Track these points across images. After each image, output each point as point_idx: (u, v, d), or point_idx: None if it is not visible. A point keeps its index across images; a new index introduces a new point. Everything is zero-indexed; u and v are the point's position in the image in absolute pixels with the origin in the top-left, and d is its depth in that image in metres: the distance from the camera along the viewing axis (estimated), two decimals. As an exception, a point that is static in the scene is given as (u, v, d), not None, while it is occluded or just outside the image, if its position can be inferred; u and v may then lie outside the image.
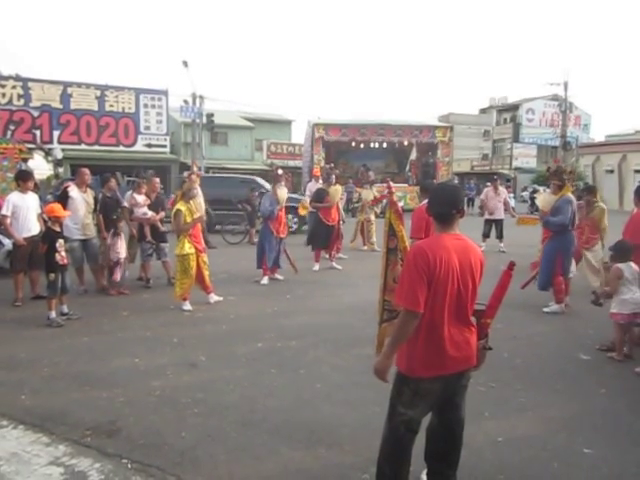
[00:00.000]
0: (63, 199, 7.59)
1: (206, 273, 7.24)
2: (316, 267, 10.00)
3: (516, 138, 46.55)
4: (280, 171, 9.32)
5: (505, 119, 51.65)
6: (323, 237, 10.21)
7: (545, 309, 7.09)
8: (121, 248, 7.81)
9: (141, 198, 8.40)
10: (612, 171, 36.66)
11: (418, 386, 2.68)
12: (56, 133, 29.41)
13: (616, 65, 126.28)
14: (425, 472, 2.99)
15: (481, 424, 3.75)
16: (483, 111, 56.93)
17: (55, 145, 28.84)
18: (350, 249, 12.29)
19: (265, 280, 8.73)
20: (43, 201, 8.86)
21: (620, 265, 5.19)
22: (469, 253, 2.71)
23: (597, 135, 49.35)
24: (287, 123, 42.04)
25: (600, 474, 3.24)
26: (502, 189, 13.58)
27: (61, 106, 29.53)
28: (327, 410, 4.04)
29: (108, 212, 7.90)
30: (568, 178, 7.23)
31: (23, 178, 7.38)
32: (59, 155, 28.16)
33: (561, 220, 6.85)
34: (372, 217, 12.81)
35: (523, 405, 4.19)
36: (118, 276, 7.80)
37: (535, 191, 22.36)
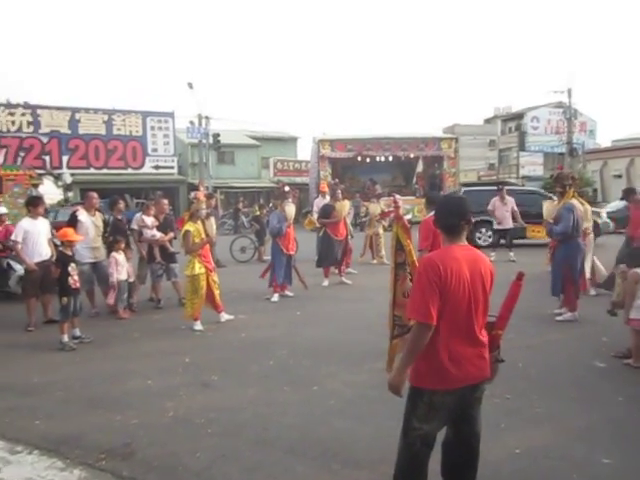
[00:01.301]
0: (73, 223, 7.67)
1: (216, 292, 7.26)
2: (326, 282, 9.99)
3: (522, 147, 46.38)
4: (287, 188, 9.37)
5: (510, 128, 51.59)
6: (333, 253, 10.21)
7: (558, 317, 7.03)
8: (116, 271, 7.66)
9: (150, 220, 8.46)
10: (620, 176, 36.47)
11: (432, 399, 2.66)
12: (65, 158, 29.78)
13: (620, 70, 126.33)
14: (442, 486, 2.95)
15: (497, 436, 3.71)
16: (488, 121, 56.94)
17: (64, 170, 29.23)
18: (359, 263, 12.28)
19: (275, 297, 8.73)
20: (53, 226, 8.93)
21: (638, 270, 5.14)
22: (479, 264, 2.70)
23: (603, 140, 48.98)
24: (293, 140, 42.27)
25: (621, 484, 3.19)
26: (509, 198, 13.53)
27: (69, 131, 29.94)
28: (341, 426, 4.02)
29: (118, 234, 7.96)
30: (571, 184, 7.17)
31: (33, 204, 7.47)
32: (68, 180, 28.54)
33: (563, 228, 6.81)
34: (380, 231, 12.80)
35: (539, 415, 4.14)
36: (112, 300, 7.72)
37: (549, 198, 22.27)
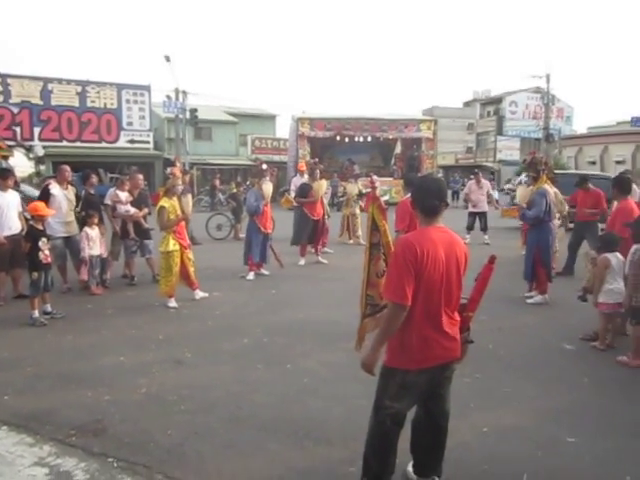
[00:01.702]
0: (44, 197, 7.50)
1: (191, 269, 7.20)
2: (302, 262, 10.00)
3: (500, 131, 46.80)
4: (265, 166, 9.28)
5: (489, 112, 51.92)
6: (308, 232, 10.20)
7: (529, 300, 7.17)
8: (88, 246, 7.56)
9: (124, 195, 8.32)
10: (594, 162, 37.08)
11: (404, 379, 2.70)
12: (37, 130, 28.94)
13: (597, 58, 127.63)
14: (411, 464, 3.01)
15: (467, 415, 3.78)
16: (467, 104, 57.20)
17: (36, 142, 28.45)
18: (336, 243, 12.31)
19: (251, 275, 8.71)
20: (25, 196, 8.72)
21: (608, 255, 5.26)
22: (454, 246, 2.73)
23: (579, 127, 49.89)
24: (271, 118, 41.83)
25: (583, 462, 3.29)
26: (484, 182, 13.68)
27: (42, 102, 29.04)
28: (314, 405, 4.05)
29: (91, 209, 7.81)
30: (544, 169, 7.26)
31: (2, 176, 7.26)
32: (40, 152, 27.83)
33: (535, 213, 6.91)
34: (357, 211, 12.81)
35: (508, 396, 4.24)
36: (85, 275, 7.63)
37: (520, 183, 22.56)
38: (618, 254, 5.26)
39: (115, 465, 3.25)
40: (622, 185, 6.41)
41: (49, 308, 6.41)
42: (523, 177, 15.33)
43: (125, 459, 3.29)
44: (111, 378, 4.55)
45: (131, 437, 3.55)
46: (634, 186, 7.81)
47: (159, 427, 3.68)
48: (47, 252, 6.31)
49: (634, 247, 4.98)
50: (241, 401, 4.11)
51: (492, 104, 51.42)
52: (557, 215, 8.15)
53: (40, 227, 6.38)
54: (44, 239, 6.32)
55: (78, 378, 4.55)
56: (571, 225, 10.11)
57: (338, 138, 26.07)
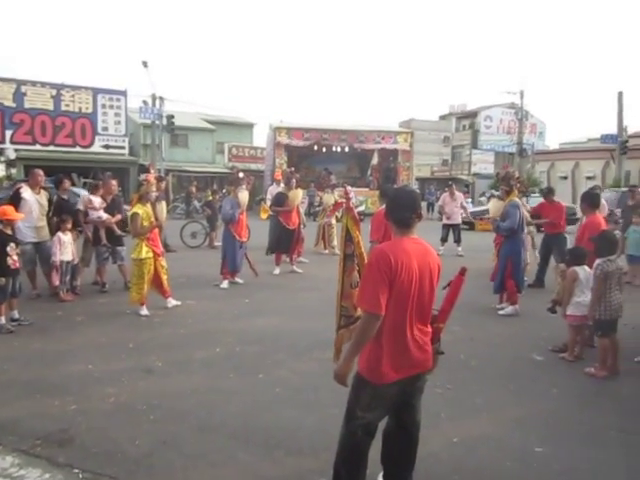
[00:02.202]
0: (15, 201, 7.34)
1: (164, 277, 7.12)
2: (277, 271, 9.97)
3: (475, 144, 47.58)
4: (241, 174, 9.25)
5: (464, 126, 52.69)
6: (284, 241, 10.19)
7: (500, 312, 7.26)
8: (59, 251, 7.43)
9: (97, 200, 8.20)
10: (566, 177, 37.94)
11: (376, 390, 2.70)
12: (9, 132, 28.34)
13: (569, 76, 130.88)
14: (381, 474, 3.01)
15: (437, 425, 3.80)
16: (443, 118, 57.91)
17: (7, 145, 27.87)
18: (311, 253, 12.31)
19: (225, 284, 8.65)
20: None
21: (576, 268, 5.37)
22: (427, 257, 2.75)
23: (552, 143, 50.79)
24: (249, 126, 41.73)
25: (551, 471, 3.33)
26: (458, 194, 13.87)
27: (14, 105, 28.47)
28: (286, 414, 4.03)
29: (64, 214, 7.67)
30: (515, 184, 7.42)
31: (-28, 179, 7.10)
32: (12, 155, 27.26)
33: (509, 224, 7.05)
34: (333, 221, 12.86)
35: (478, 406, 4.27)
36: (56, 281, 7.50)
37: (492, 196, 22.92)
38: (586, 267, 5.37)
39: (81, 476, 3.17)
40: (591, 200, 6.56)
41: (16, 315, 6.26)
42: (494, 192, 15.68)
43: (91, 470, 3.22)
44: (79, 387, 4.46)
45: (98, 447, 3.48)
46: (602, 201, 8.02)
47: (127, 437, 3.61)
48: (15, 257, 6.16)
49: (596, 262, 5.10)
50: (212, 410, 4.06)
51: (467, 118, 52.22)
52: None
53: (8, 231, 6.23)
54: (12, 244, 6.17)
55: (45, 387, 4.45)
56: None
57: (315, 148, 26.15)
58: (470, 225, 13.97)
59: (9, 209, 6.44)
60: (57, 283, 7.50)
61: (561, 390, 4.65)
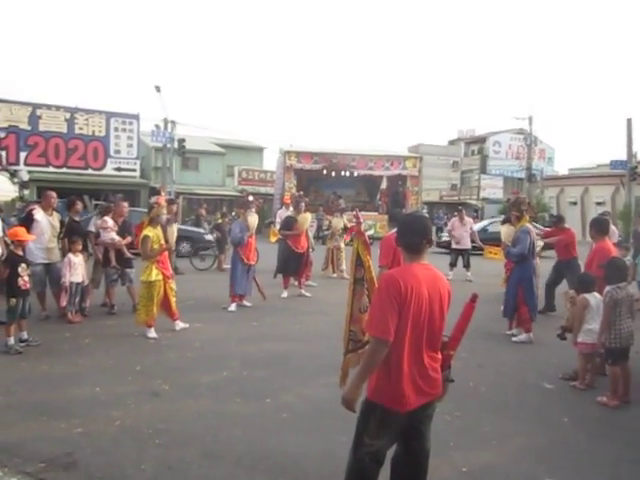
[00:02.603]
0: (28, 222, 7.42)
1: (173, 300, 7.13)
2: (285, 294, 9.96)
3: (483, 170, 47.64)
4: (251, 197, 9.32)
5: (473, 151, 52.88)
6: (293, 265, 10.20)
7: (513, 339, 7.19)
8: (69, 272, 7.50)
9: (111, 222, 8.27)
10: (575, 203, 37.83)
11: (384, 416, 2.67)
12: (23, 154, 28.80)
13: (578, 102, 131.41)
14: (389, 503, 2.96)
15: (446, 454, 3.75)
16: (452, 143, 58.21)
17: (21, 167, 28.26)
18: (320, 276, 12.29)
19: (233, 307, 8.65)
20: (7, 224, 8.64)
21: (586, 295, 5.32)
22: (438, 283, 2.74)
23: (561, 168, 50.74)
24: (259, 150, 42.15)
25: (562, 504, 3.26)
26: (468, 219, 13.84)
27: (29, 127, 29.00)
28: (293, 440, 3.99)
29: (75, 236, 7.74)
30: (527, 209, 7.42)
31: (-15, 200, 7.19)
32: (25, 177, 27.58)
33: (520, 250, 7.03)
34: (342, 245, 12.86)
35: (487, 434, 4.21)
36: (63, 301, 7.53)
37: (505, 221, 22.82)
38: (596, 294, 5.33)
39: (85, 501, 3.14)
40: (600, 226, 6.53)
41: (25, 335, 6.28)
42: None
43: (95, 495, 3.19)
44: (85, 410, 4.44)
45: (103, 472, 3.45)
46: (612, 227, 7.98)
47: (132, 461, 3.59)
48: (26, 278, 6.21)
49: (606, 289, 5.06)
50: (218, 435, 4.03)
51: (476, 143, 52.43)
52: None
53: (20, 252, 6.30)
54: (23, 265, 6.23)
55: (51, 409, 4.44)
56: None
57: (324, 172, 26.32)
58: (477, 249, 13.85)
59: (21, 230, 6.52)
60: (64, 304, 7.53)
61: (572, 419, 4.57)
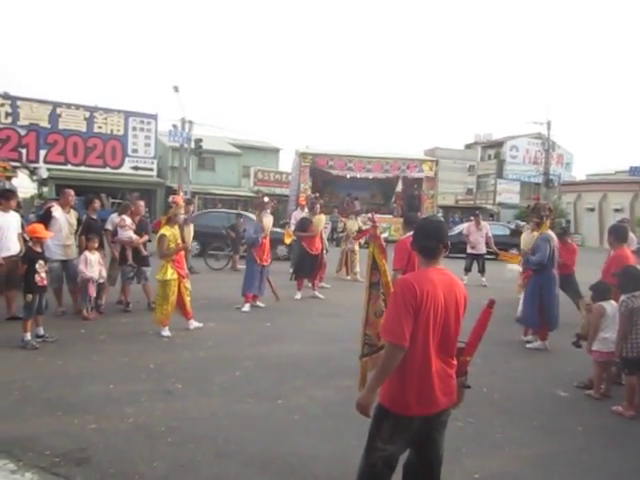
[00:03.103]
0: (46, 219, 7.52)
1: (187, 299, 7.18)
2: (298, 295, 9.97)
3: (500, 174, 47.29)
4: (266, 199, 9.35)
5: (489, 155, 52.48)
6: (307, 267, 10.20)
7: (528, 345, 7.11)
8: (87, 269, 7.58)
9: (129, 220, 8.35)
10: (593, 209, 37.38)
11: (398, 421, 2.65)
12: (42, 152, 29.24)
13: (596, 107, 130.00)
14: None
15: (458, 460, 3.72)
16: (468, 147, 57.80)
17: (41, 164, 28.71)
18: (334, 279, 12.29)
19: (247, 307, 8.67)
20: (25, 220, 8.76)
21: (603, 303, 5.25)
22: (454, 288, 2.71)
23: (579, 174, 50.26)
24: (275, 151, 42.31)
25: (575, 514, 3.22)
26: (484, 224, 13.73)
27: (49, 126, 29.43)
28: (303, 442, 3.99)
29: (92, 233, 7.83)
30: (547, 215, 7.26)
31: (6, 197, 7.30)
32: (44, 174, 28.04)
33: (539, 258, 6.87)
34: (356, 247, 12.84)
35: (500, 441, 4.18)
36: (93, 292, 7.67)
37: (518, 226, 22.55)
38: (613, 302, 5.26)
39: (97, 496, 3.17)
40: (618, 233, 6.43)
41: (42, 331, 6.35)
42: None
43: (108, 491, 3.22)
44: (99, 406, 4.49)
45: (115, 468, 3.48)
46: (631, 234, 7.84)
47: (145, 458, 3.62)
48: (43, 274, 6.29)
49: (621, 298, 4.99)
50: (230, 435, 4.05)
51: (493, 147, 52.04)
52: None
53: (38, 249, 6.38)
54: (41, 261, 6.31)
55: (65, 405, 4.49)
56: None
57: (340, 174, 26.30)
58: (492, 253, 13.64)
59: (39, 227, 6.60)
60: (94, 294, 7.70)
61: (586, 429, 4.51)
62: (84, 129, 30.31)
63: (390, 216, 25.31)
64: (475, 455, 3.91)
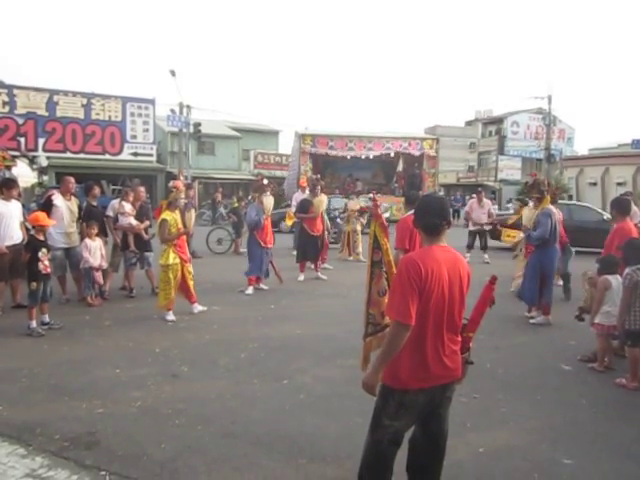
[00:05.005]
0: (47, 207, 7.53)
1: (191, 283, 7.20)
2: (301, 277, 9.99)
3: (501, 150, 46.98)
4: (265, 181, 9.32)
5: (490, 132, 52.10)
6: (311, 250, 10.20)
7: (531, 320, 7.12)
8: (91, 256, 7.63)
9: (128, 206, 8.35)
10: (595, 184, 37.15)
11: (403, 398, 2.66)
12: (41, 141, 29.16)
13: (598, 80, 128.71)
14: (406, 483, 2.97)
15: (463, 435, 3.75)
16: (469, 123, 57.40)
17: (40, 153, 28.60)
18: (337, 259, 12.31)
19: (250, 290, 8.70)
20: (27, 209, 8.77)
21: (608, 277, 5.24)
22: (457, 265, 2.71)
23: (581, 148, 49.97)
24: (274, 133, 42.09)
25: (580, 485, 3.26)
26: (486, 201, 13.70)
27: (47, 114, 29.30)
28: (310, 421, 4.03)
29: (92, 220, 7.84)
30: (547, 190, 7.23)
31: (7, 186, 7.28)
32: (44, 163, 27.91)
33: (540, 233, 6.85)
34: (358, 227, 12.84)
35: (505, 416, 4.21)
36: (101, 280, 7.78)
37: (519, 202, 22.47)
38: (618, 276, 5.24)
39: (107, 478, 3.22)
40: (621, 206, 6.40)
41: (47, 319, 6.39)
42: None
43: (117, 472, 3.27)
44: (106, 390, 4.53)
45: (124, 450, 3.53)
46: (634, 207, 7.80)
47: (153, 441, 3.66)
48: (47, 262, 6.31)
49: (625, 271, 4.97)
50: (236, 416, 4.09)
51: (494, 124, 51.63)
52: None
53: (41, 237, 6.39)
54: (44, 249, 6.33)
55: (73, 390, 4.53)
56: None
57: (340, 154, 26.16)
58: (493, 233, 13.59)
59: (41, 215, 6.60)
60: (101, 282, 7.80)
61: (590, 401, 4.54)
62: (82, 116, 30.17)
63: (392, 196, 25.23)
64: (480, 429, 3.94)
